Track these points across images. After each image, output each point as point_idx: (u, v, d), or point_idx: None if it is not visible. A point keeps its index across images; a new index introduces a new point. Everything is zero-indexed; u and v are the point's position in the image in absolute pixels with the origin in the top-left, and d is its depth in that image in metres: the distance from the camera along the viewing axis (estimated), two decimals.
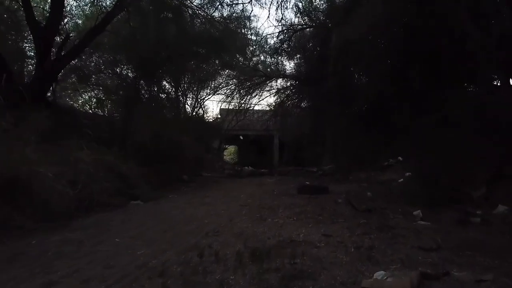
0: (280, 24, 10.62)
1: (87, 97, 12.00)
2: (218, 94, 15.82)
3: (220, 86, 15.47)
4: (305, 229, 3.73)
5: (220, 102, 16.90)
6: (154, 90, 10.19)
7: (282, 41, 11.52)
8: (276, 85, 14.93)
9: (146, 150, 8.32)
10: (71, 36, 9.62)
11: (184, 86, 13.59)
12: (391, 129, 9.61)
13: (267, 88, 14.87)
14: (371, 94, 7.54)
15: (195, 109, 15.10)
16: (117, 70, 10.17)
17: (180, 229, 4.03)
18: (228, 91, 15.16)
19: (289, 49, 11.32)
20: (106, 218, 4.75)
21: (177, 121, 10.82)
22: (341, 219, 4.16)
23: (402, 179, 7.59)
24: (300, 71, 11.42)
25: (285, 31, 10.21)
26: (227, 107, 17.23)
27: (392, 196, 6.09)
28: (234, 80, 14.56)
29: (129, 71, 10.15)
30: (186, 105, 15.30)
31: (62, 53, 8.95)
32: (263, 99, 15.36)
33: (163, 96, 11.63)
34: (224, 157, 20.12)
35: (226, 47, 10.65)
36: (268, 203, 5.52)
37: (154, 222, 4.41)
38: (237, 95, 14.81)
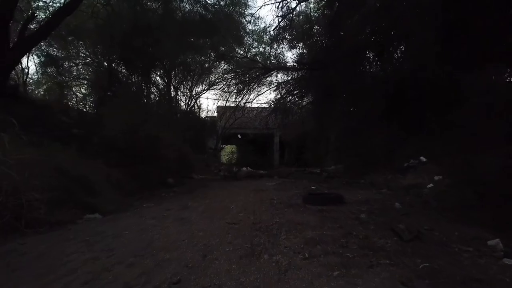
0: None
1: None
2: (214, 89, 14.13)
3: (216, 81, 13.78)
4: (328, 283, 2.04)
5: (217, 100, 15.26)
6: (132, 78, 8.50)
7: (284, 28, 9.80)
8: (276, 80, 13.28)
9: (120, 147, 6.65)
10: (37, 15, 7.98)
11: (175, 78, 11.89)
12: (412, 124, 7.93)
13: (267, 83, 13.21)
14: (395, 79, 5.82)
15: (189, 105, 13.40)
16: (90, 55, 8.48)
17: (117, 275, 2.34)
18: (225, 86, 13.46)
19: (290, 30, 9.48)
20: (23, 248, 3.06)
21: (162, 115, 9.13)
22: (382, 257, 2.46)
23: (431, 184, 5.91)
24: (303, 60, 9.71)
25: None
26: (224, 104, 15.57)
27: (431, 209, 4.41)
28: (231, 74, 12.83)
29: (104, 57, 8.47)
30: (180, 101, 13.66)
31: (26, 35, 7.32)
32: (262, 94, 13.67)
33: (150, 87, 9.91)
34: (221, 157, 18.42)
35: (218, 30, 8.98)
36: (266, 221, 3.83)
37: (86, 257, 2.72)
38: (235, 90, 13.12)
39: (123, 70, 9.15)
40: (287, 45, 11.01)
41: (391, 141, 8.16)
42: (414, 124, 7.49)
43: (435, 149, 6.99)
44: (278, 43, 10.42)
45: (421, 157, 7.39)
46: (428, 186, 5.89)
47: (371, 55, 8.87)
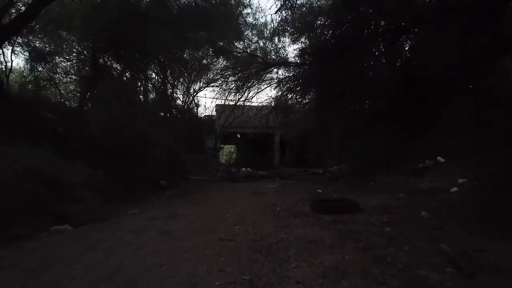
0: None
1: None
2: (212, 86, 13.30)
3: (215, 78, 12.95)
4: None
5: (215, 98, 14.44)
6: (125, 73, 7.68)
7: (285, 20, 9.00)
8: (276, 76, 12.47)
9: (106, 146, 5.84)
10: (16, 2, 7.16)
11: (172, 74, 11.07)
12: (420, 122, 7.13)
13: (267, 79, 12.40)
14: (403, 73, 5.02)
15: (186, 103, 12.58)
16: (78, 47, 7.67)
17: None
18: (223, 83, 12.64)
19: (293, 17, 8.54)
20: None
21: (157, 113, 8.30)
22: None
23: (455, 188, 5.08)
24: (307, 50, 8.89)
25: None
26: (223, 102, 14.75)
27: (465, 220, 3.58)
28: (230, 70, 12.01)
29: (90, 50, 7.65)
30: (177, 99, 12.84)
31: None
32: (262, 90, 12.86)
33: (145, 83, 9.08)
34: (220, 157, 17.59)
35: (216, 22, 8.17)
36: (268, 236, 3.02)
37: None
38: (234, 86, 12.30)
39: (114, 65, 8.34)
40: (289, 38, 10.21)
41: (398, 140, 7.37)
42: (423, 122, 6.71)
43: (448, 149, 6.23)
44: (279, 35, 9.57)
45: (438, 157, 6.58)
46: (452, 190, 5.07)
47: (378, 47, 8.06)
